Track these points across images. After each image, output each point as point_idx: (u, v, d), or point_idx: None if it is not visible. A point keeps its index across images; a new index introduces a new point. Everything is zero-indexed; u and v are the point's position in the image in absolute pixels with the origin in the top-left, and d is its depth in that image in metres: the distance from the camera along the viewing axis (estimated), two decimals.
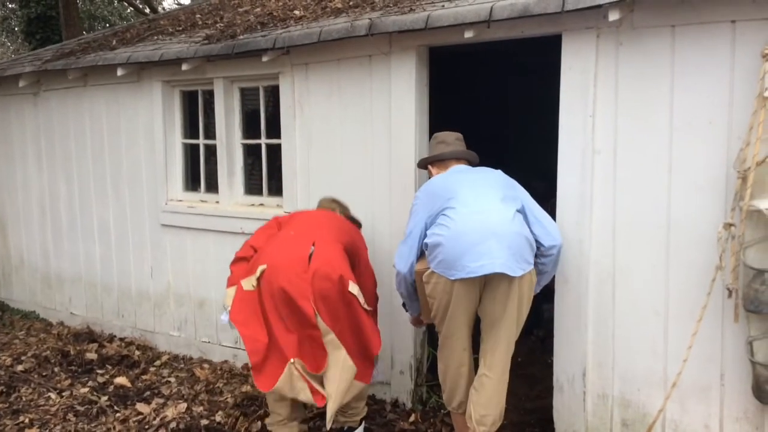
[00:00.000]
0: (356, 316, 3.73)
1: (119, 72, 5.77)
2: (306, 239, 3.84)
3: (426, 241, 3.55)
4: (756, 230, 3.19)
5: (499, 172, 3.79)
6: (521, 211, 3.58)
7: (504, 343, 3.58)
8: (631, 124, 3.60)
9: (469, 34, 3.93)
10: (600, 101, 3.68)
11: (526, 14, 3.64)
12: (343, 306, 3.69)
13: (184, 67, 5.34)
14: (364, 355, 3.81)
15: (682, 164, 3.46)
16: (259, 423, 4.42)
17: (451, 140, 3.98)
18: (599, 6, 3.39)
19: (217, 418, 4.56)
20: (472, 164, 3.95)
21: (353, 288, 3.69)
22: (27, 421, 4.66)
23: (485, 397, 3.61)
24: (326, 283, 3.63)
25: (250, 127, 5.51)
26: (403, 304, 4.02)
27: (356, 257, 4.01)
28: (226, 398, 4.89)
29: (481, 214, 3.43)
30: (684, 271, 3.50)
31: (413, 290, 3.77)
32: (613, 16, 3.40)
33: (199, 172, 5.89)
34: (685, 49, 3.41)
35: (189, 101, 5.93)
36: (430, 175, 4.00)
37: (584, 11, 3.51)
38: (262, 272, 3.72)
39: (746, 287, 3.17)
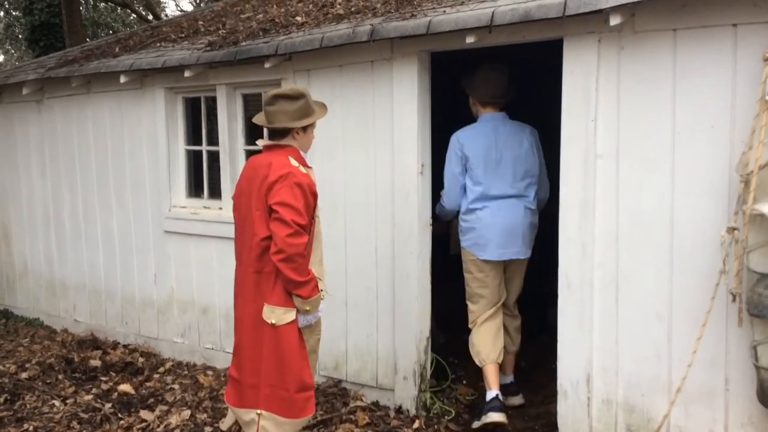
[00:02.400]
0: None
1: (122, 79, 5.79)
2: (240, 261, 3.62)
3: (461, 223, 4.53)
4: (759, 234, 3.18)
5: (521, 145, 4.46)
6: (534, 177, 4.51)
7: (515, 295, 4.73)
8: (634, 129, 3.59)
9: (470, 40, 3.93)
10: (602, 105, 3.67)
11: (527, 19, 3.63)
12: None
13: (187, 73, 5.36)
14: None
15: (684, 168, 3.45)
16: None
17: (492, 77, 4.48)
18: (600, 11, 3.38)
19: (221, 426, 4.56)
20: (504, 99, 4.54)
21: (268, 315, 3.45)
22: (31, 428, 4.67)
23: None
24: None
25: (252, 134, 5.52)
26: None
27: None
28: None
29: (505, 210, 4.40)
30: (687, 275, 3.49)
31: (452, 218, 4.77)
32: (615, 20, 3.39)
33: (202, 178, 5.90)
34: (687, 53, 3.40)
35: (192, 108, 5.95)
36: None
37: (585, 16, 3.50)
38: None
39: (750, 291, 3.15)
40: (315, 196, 3.45)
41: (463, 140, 4.44)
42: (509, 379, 4.77)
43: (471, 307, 4.59)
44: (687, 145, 3.44)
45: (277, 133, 3.60)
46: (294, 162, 3.45)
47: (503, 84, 4.50)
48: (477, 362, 4.54)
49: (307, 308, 3.42)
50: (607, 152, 3.68)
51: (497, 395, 4.37)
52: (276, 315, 3.40)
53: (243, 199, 3.56)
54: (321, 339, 3.83)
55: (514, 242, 4.42)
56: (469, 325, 4.61)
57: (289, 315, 3.42)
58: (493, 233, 4.38)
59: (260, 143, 3.70)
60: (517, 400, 4.70)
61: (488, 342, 4.48)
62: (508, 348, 4.66)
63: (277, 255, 3.27)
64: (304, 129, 3.59)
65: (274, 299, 3.41)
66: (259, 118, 3.69)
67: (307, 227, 3.35)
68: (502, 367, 4.59)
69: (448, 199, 4.56)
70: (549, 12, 3.54)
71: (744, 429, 3.41)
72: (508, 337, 4.68)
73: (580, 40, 3.70)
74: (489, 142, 4.41)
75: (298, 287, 3.35)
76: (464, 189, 4.48)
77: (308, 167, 3.57)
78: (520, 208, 4.42)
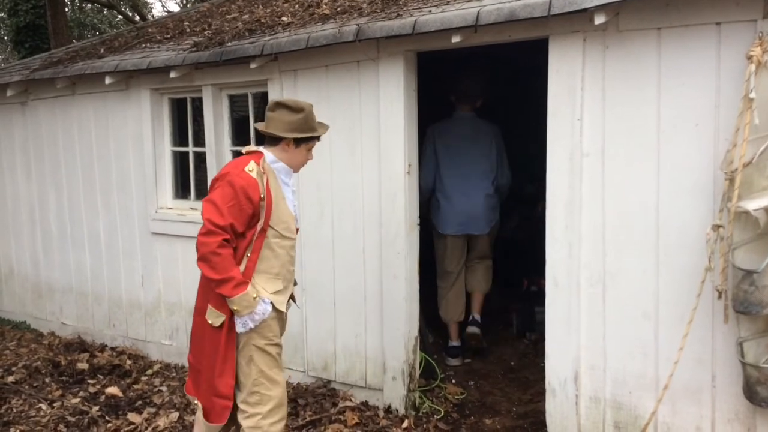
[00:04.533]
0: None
1: (107, 80, 5.75)
2: None
3: (433, 202, 5.38)
4: (744, 231, 3.20)
5: (483, 140, 5.30)
6: (494, 169, 5.34)
7: (484, 261, 5.60)
8: (619, 127, 3.61)
9: (456, 39, 3.93)
10: (587, 104, 3.68)
11: (512, 19, 3.63)
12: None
13: (173, 74, 5.33)
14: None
15: (669, 166, 3.47)
16: None
17: (466, 80, 5.28)
18: (585, 10, 3.39)
19: None
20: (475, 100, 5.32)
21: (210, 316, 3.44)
22: None
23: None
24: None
25: (239, 134, 5.50)
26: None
27: None
28: None
29: (467, 198, 5.25)
30: (673, 273, 3.50)
31: (427, 199, 5.37)
32: (599, 19, 3.40)
33: (189, 179, 5.88)
34: (671, 52, 3.42)
35: (178, 109, 5.92)
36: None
37: (570, 15, 3.51)
38: None
39: (735, 288, 3.17)
40: (251, 200, 3.31)
41: (436, 133, 5.31)
42: (478, 316, 5.63)
43: (439, 272, 5.49)
44: (672, 143, 3.45)
45: (268, 140, 3.53)
46: (250, 166, 3.37)
47: (476, 87, 5.28)
48: (444, 320, 5.50)
49: (235, 308, 3.31)
50: (593, 151, 3.69)
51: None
52: (211, 316, 3.41)
53: None
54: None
55: (470, 221, 5.30)
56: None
57: (219, 319, 3.38)
58: (454, 214, 5.26)
59: (245, 150, 3.59)
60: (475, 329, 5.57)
61: (453, 304, 5.48)
62: (479, 289, 5.61)
63: (196, 253, 3.28)
64: (297, 144, 3.49)
65: (212, 300, 3.41)
66: (260, 124, 3.62)
67: (226, 228, 3.26)
68: (472, 306, 5.57)
69: (424, 181, 5.13)
70: (534, 11, 3.55)
71: (731, 425, 3.43)
72: (477, 281, 5.59)
73: (565, 40, 3.71)
74: (457, 136, 5.25)
75: (218, 286, 3.28)
76: (434, 175, 5.31)
77: (263, 173, 3.40)
78: (480, 194, 5.26)
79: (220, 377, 3.43)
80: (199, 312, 3.52)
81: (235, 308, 3.32)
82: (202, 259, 3.26)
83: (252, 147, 3.60)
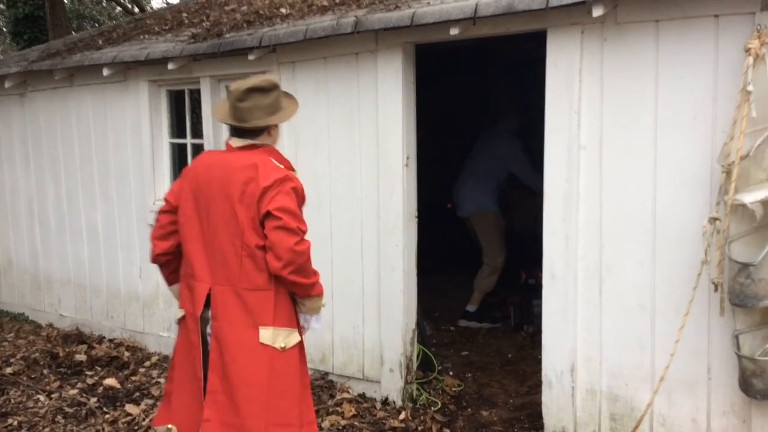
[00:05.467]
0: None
1: (105, 72, 5.74)
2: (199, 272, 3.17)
3: None
4: (740, 224, 3.21)
5: (497, 151, 6.09)
6: (500, 172, 6.13)
7: (486, 244, 6.18)
8: (616, 120, 3.61)
9: (454, 31, 3.92)
10: (585, 97, 3.68)
11: (510, 11, 3.63)
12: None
13: (171, 66, 5.32)
14: None
15: (666, 159, 3.47)
16: None
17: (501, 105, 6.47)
18: (583, 2, 3.38)
19: None
20: (510, 119, 6.25)
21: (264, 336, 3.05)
22: (15, 423, 4.64)
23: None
24: None
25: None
26: None
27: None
28: None
29: (464, 184, 6.22)
30: (670, 265, 3.51)
31: None
32: (597, 11, 3.40)
33: None
34: (669, 44, 3.42)
35: (176, 100, 5.91)
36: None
37: (568, 7, 3.50)
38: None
39: (731, 281, 3.17)
40: (304, 201, 3.15)
41: (481, 139, 6.37)
42: (474, 308, 6.25)
43: None
44: (669, 136, 3.46)
45: (246, 132, 3.14)
46: (277, 164, 3.09)
47: (502, 113, 6.34)
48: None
49: (321, 304, 3.19)
50: (591, 144, 3.69)
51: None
52: (278, 337, 3.05)
53: (213, 203, 3.11)
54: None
55: (458, 204, 6.28)
56: None
57: (292, 337, 3.10)
58: (459, 199, 6.26)
59: (234, 143, 3.18)
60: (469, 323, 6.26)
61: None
62: (475, 286, 6.25)
63: (286, 268, 2.94)
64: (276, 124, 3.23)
65: (280, 320, 3.06)
66: (222, 114, 3.20)
67: (305, 233, 3.06)
68: (471, 298, 6.27)
69: None
70: (532, 3, 3.54)
71: (726, 417, 3.44)
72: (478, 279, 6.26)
73: (563, 32, 3.71)
74: (479, 145, 6.28)
75: (311, 289, 3.09)
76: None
77: (293, 169, 3.19)
78: (467, 185, 6.18)
79: (302, 402, 3.13)
80: (241, 341, 3.05)
81: (321, 305, 3.19)
82: (299, 270, 2.97)
83: (243, 140, 3.17)
